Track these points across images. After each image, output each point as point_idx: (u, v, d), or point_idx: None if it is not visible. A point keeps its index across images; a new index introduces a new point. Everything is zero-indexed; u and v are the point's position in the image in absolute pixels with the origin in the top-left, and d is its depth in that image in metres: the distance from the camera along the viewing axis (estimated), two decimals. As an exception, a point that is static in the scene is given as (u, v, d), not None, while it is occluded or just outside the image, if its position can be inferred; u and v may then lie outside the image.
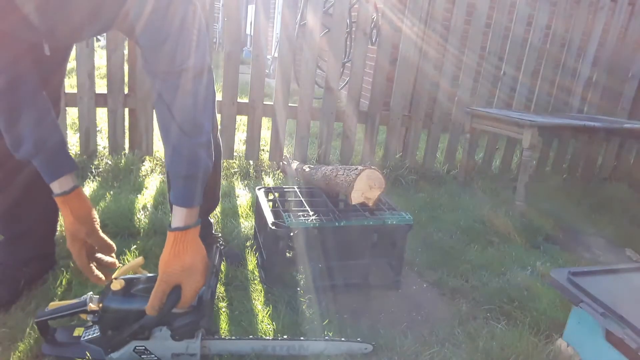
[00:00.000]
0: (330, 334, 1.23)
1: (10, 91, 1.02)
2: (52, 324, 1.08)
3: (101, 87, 2.46)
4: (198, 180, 1.04)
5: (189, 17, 1.00)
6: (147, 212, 1.85)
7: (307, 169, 1.91)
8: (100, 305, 1.01)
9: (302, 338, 1.16)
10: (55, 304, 1.06)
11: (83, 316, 1.04)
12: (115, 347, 1.03)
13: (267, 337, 1.17)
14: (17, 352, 1.05)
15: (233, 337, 1.16)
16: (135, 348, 1.02)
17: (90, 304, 1.01)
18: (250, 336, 1.19)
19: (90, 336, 1.06)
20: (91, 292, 1.05)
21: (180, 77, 1.01)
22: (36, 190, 1.16)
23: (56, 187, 1.05)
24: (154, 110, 1.14)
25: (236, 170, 2.58)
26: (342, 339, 1.18)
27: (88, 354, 1.03)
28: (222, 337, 1.17)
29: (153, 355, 1.04)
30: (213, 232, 1.65)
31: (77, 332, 1.08)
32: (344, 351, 1.15)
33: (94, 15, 1.00)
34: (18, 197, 1.25)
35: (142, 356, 1.04)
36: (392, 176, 2.68)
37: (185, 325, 1.02)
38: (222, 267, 1.50)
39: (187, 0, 0.99)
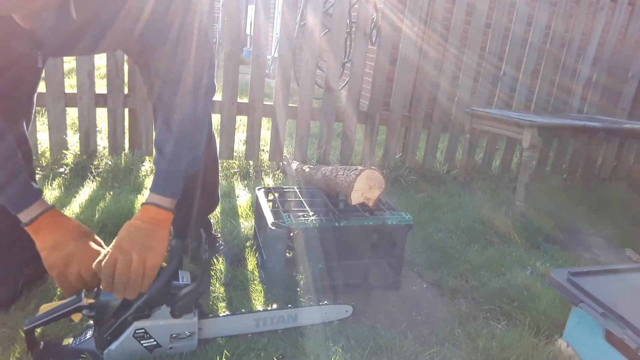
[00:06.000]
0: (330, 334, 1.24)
1: None
2: (45, 331, 1.06)
3: (101, 87, 2.46)
4: (183, 176, 1.12)
5: (188, 19, 1.02)
6: (147, 212, 1.85)
7: (307, 169, 1.91)
8: (99, 296, 1.00)
9: (289, 305, 1.25)
10: (46, 306, 1.02)
11: (76, 318, 1.02)
12: (115, 335, 1.02)
13: (258, 309, 1.25)
14: (16, 352, 1.05)
15: (227, 314, 1.20)
16: (135, 332, 1.02)
17: (85, 298, 1.00)
18: (243, 310, 1.23)
19: (81, 341, 1.04)
20: (84, 290, 1.04)
21: (179, 89, 1.06)
22: None
23: (22, 216, 1.00)
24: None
25: (236, 170, 2.58)
26: (326, 302, 1.28)
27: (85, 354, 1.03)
28: (215, 314, 1.20)
29: (152, 340, 1.05)
30: (213, 232, 1.65)
31: (66, 341, 1.06)
32: (328, 314, 1.26)
33: (93, 26, 0.99)
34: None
35: (142, 341, 1.04)
36: (392, 176, 2.68)
37: (185, 296, 1.04)
38: (222, 267, 1.50)
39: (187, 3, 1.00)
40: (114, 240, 1.00)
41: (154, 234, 1.03)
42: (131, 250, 0.98)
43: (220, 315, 1.19)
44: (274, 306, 1.27)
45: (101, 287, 0.98)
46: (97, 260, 0.99)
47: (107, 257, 0.97)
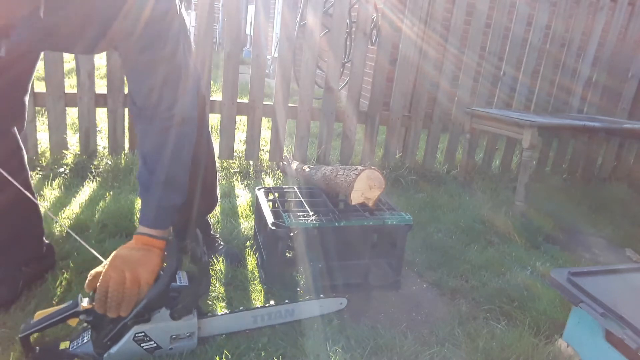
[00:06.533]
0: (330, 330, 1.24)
1: None
2: (44, 332, 1.05)
3: (101, 87, 2.46)
4: (173, 208, 1.12)
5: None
6: (147, 212, 1.85)
7: (307, 169, 1.91)
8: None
9: (286, 301, 1.26)
10: (41, 313, 1.01)
11: (72, 322, 1.01)
12: (114, 339, 1.02)
13: (256, 306, 1.26)
14: (16, 352, 1.05)
15: (225, 312, 1.20)
16: (135, 336, 1.02)
17: (82, 303, 1.00)
18: (241, 307, 1.24)
19: (79, 345, 1.04)
20: (80, 294, 1.04)
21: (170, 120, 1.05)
22: (13, 194, 1.13)
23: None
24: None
25: (236, 170, 2.58)
26: (321, 295, 1.32)
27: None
28: (214, 314, 1.21)
29: (152, 342, 1.05)
30: (212, 232, 1.65)
31: (63, 345, 1.05)
32: (323, 307, 1.29)
33: (87, 24, 0.98)
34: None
35: (142, 345, 1.04)
36: (392, 176, 2.68)
37: (184, 299, 1.05)
38: (222, 267, 1.50)
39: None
40: (107, 261, 1.01)
41: (147, 253, 1.04)
42: (124, 268, 0.98)
43: (219, 314, 1.19)
44: (271, 302, 1.27)
45: (95, 306, 0.98)
46: (89, 279, 0.99)
47: (100, 277, 0.97)
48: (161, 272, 1.05)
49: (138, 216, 1.79)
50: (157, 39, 0.99)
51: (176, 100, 1.05)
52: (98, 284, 0.97)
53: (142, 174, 1.09)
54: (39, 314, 1.01)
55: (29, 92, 1.24)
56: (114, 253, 1.02)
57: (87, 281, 1.00)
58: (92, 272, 1.01)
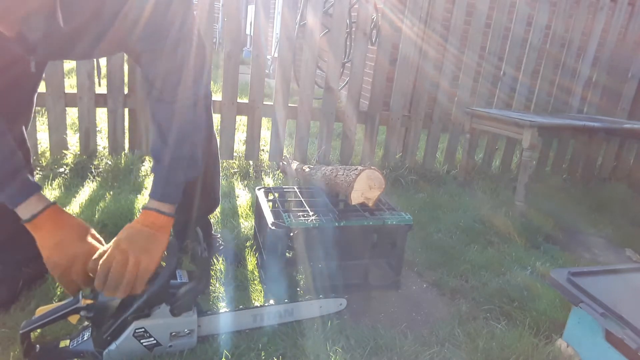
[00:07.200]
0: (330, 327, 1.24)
1: None
2: (43, 332, 1.05)
3: (101, 87, 2.46)
4: (182, 184, 1.11)
5: (188, 22, 1.02)
6: (147, 212, 1.85)
7: (307, 169, 1.91)
8: (98, 297, 0.99)
9: (286, 300, 1.27)
10: (42, 309, 1.01)
11: (73, 320, 1.01)
12: (114, 335, 1.02)
13: (255, 305, 1.27)
14: (16, 352, 1.05)
15: (225, 310, 1.20)
16: (135, 331, 1.02)
17: (83, 299, 1.00)
18: (241, 306, 1.24)
19: (79, 343, 1.04)
20: (81, 291, 1.03)
21: (175, 103, 1.06)
22: None
23: (22, 213, 0.97)
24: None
25: (236, 170, 2.58)
26: (321, 296, 1.32)
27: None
28: (214, 311, 1.21)
29: (152, 339, 1.05)
30: (213, 232, 1.65)
31: (63, 344, 1.05)
32: (323, 308, 1.29)
33: (93, 30, 0.99)
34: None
35: (142, 341, 1.04)
36: (392, 176, 2.68)
37: (184, 295, 1.05)
38: (222, 267, 1.50)
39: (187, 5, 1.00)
40: (113, 240, 1.00)
41: (153, 237, 1.03)
42: (129, 250, 0.98)
43: (218, 312, 1.20)
44: (271, 302, 1.27)
45: (94, 284, 0.97)
46: (93, 258, 0.98)
47: (104, 255, 0.97)
48: (160, 270, 1.05)
49: (138, 216, 1.80)
50: (170, 22, 1.00)
51: (194, 80, 1.08)
52: (101, 261, 0.96)
53: (155, 145, 1.09)
54: (40, 310, 1.02)
55: (37, 91, 1.25)
56: (120, 232, 1.01)
57: (91, 260, 0.98)
58: (100, 250, 0.99)
